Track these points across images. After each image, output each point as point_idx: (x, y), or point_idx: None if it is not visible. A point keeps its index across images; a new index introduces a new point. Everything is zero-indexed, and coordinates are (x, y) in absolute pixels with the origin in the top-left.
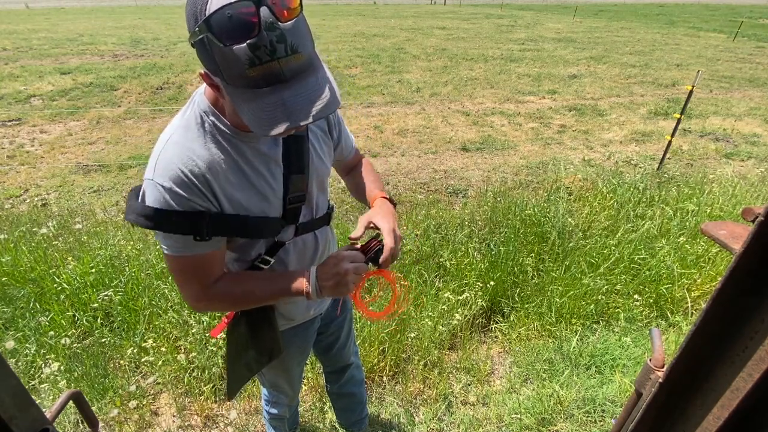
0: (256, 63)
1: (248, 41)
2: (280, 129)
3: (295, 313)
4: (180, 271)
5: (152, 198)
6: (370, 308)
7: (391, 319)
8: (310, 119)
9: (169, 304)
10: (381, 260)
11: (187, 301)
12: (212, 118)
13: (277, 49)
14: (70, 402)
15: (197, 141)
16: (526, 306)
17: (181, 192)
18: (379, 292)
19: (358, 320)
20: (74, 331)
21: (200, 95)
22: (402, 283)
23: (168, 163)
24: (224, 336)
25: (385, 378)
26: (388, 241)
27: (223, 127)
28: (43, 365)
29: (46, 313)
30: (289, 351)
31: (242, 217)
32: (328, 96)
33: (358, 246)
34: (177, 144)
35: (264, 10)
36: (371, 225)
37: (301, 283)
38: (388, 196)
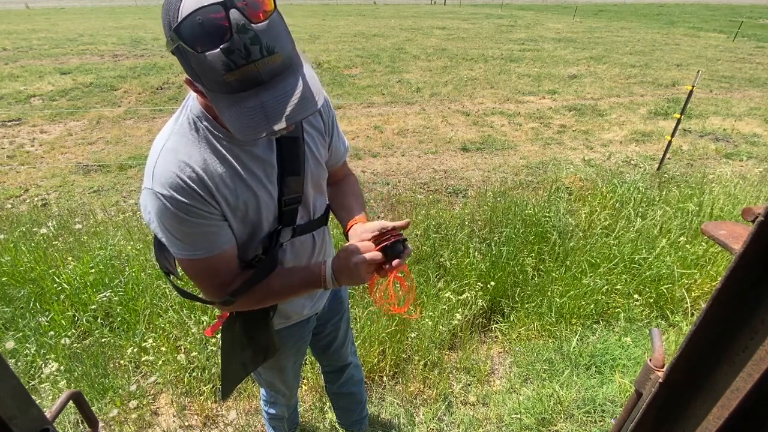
0: (232, 67)
1: (221, 46)
2: (261, 133)
3: (291, 312)
4: (194, 272)
5: (154, 207)
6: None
7: (405, 313)
8: (284, 123)
9: (169, 304)
10: (402, 257)
11: (202, 300)
12: (205, 122)
13: (251, 51)
14: (70, 402)
15: (192, 146)
16: (526, 306)
17: (181, 198)
18: (382, 291)
19: (357, 320)
20: (74, 331)
21: (193, 100)
22: (411, 279)
23: (165, 170)
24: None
25: (385, 378)
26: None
27: (216, 132)
28: (43, 365)
29: (46, 313)
30: (284, 350)
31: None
32: (308, 98)
33: (370, 238)
34: (172, 150)
35: (234, 13)
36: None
37: (318, 275)
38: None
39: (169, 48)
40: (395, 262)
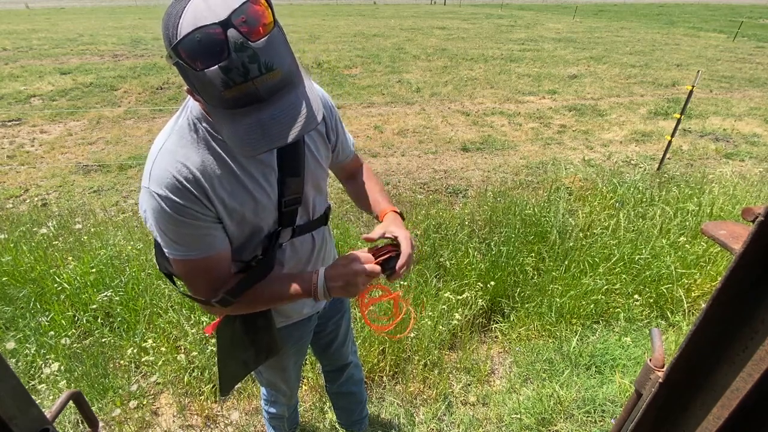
0: (231, 85)
1: (219, 64)
2: (259, 151)
3: (291, 311)
4: (187, 273)
5: (150, 206)
6: (371, 317)
7: (389, 334)
8: (287, 141)
9: (169, 304)
10: (398, 266)
11: (198, 301)
12: (205, 124)
13: (250, 69)
14: (70, 402)
15: (191, 147)
16: (526, 306)
17: (176, 199)
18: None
19: (357, 320)
20: (74, 331)
21: (193, 101)
22: (405, 305)
23: (162, 170)
24: None
25: (385, 378)
26: (405, 247)
27: (216, 134)
28: (43, 365)
29: (46, 313)
30: (285, 349)
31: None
32: (306, 114)
33: (368, 249)
34: (170, 151)
35: (232, 32)
36: (387, 234)
37: (310, 285)
38: (399, 211)
39: (169, 63)
40: (387, 274)
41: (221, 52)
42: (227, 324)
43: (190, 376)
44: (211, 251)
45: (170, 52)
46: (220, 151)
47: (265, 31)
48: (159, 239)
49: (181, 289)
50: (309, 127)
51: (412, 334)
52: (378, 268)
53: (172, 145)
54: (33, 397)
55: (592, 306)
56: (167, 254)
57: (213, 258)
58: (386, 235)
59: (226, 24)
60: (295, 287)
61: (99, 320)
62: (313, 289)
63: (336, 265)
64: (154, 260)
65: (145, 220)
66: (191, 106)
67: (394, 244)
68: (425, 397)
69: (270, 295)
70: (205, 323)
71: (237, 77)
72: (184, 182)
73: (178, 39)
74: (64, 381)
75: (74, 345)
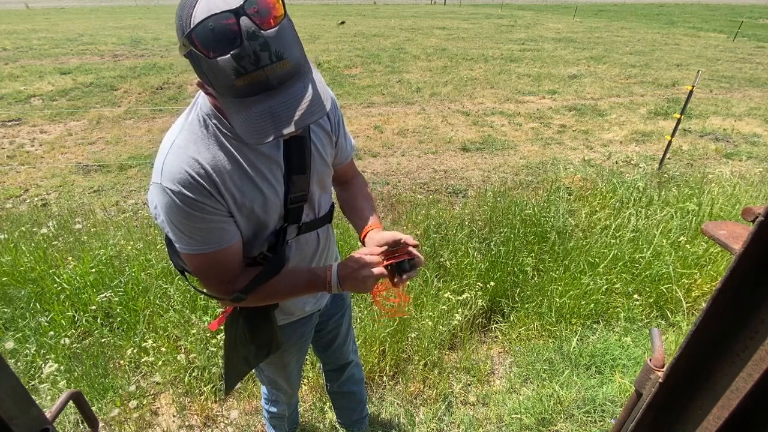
0: (242, 73)
1: (232, 52)
2: (268, 138)
3: (293, 309)
4: (199, 268)
5: (162, 202)
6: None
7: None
8: (293, 127)
9: (171, 304)
10: (405, 276)
11: (212, 296)
12: (215, 120)
13: (261, 57)
14: (70, 402)
15: (201, 143)
16: (526, 306)
17: (189, 194)
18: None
19: (358, 320)
20: (74, 331)
21: (203, 98)
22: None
23: (174, 166)
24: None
25: (385, 378)
26: (420, 258)
27: (225, 130)
28: (43, 365)
29: (46, 313)
30: (287, 346)
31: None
32: (315, 102)
33: (380, 251)
34: (181, 147)
35: (244, 20)
36: (390, 242)
37: (324, 281)
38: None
39: (182, 52)
40: (396, 280)
41: (234, 40)
42: (233, 322)
43: (190, 376)
44: (224, 245)
45: (183, 41)
46: (230, 147)
47: (275, 22)
48: (171, 235)
49: (195, 285)
50: (317, 114)
51: (413, 335)
52: (384, 271)
53: (183, 140)
54: (33, 397)
55: (592, 306)
56: (179, 249)
57: (225, 252)
58: (398, 239)
59: (238, 12)
60: (309, 282)
61: (99, 320)
62: (328, 285)
63: (348, 266)
64: (168, 257)
65: (155, 217)
66: (201, 103)
67: (406, 249)
68: (425, 397)
69: (284, 289)
70: (206, 323)
71: (248, 65)
72: (197, 177)
73: (192, 27)
74: (64, 381)
75: (74, 345)
